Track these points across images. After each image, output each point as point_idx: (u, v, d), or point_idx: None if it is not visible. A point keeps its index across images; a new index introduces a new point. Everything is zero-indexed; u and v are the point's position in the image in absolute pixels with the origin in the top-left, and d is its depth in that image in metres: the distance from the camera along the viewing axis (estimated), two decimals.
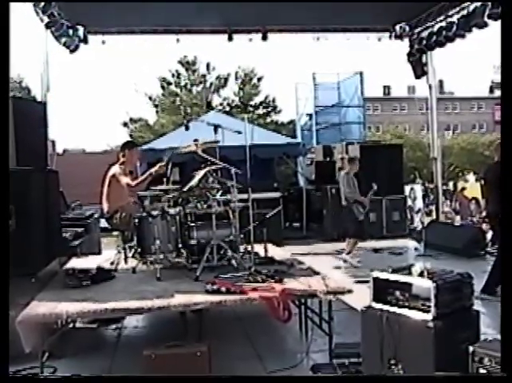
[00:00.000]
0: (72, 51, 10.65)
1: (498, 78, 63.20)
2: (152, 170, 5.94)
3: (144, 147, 14.10)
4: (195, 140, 5.91)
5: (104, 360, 4.85)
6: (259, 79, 32.89)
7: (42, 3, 9.03)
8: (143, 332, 5.86)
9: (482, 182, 7.85)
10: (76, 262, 6.24)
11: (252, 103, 32.34)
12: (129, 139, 29.30)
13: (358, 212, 9.01)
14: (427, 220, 12.93)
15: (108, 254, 6.34)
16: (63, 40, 10.16)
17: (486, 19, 9.00)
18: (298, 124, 20.96)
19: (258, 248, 6.07)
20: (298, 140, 17.76)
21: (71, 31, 10.50)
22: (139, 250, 5.69)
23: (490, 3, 8.85)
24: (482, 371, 3.11)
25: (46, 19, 9.32)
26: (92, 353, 5.09)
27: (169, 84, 32.26)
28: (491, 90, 64.54)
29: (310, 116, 19.76)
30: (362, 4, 10.03)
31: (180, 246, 5.72)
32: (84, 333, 5.63)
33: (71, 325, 5.44)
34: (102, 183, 6.27)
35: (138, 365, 4.12)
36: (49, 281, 5.33)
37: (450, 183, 24.08)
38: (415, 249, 10.86)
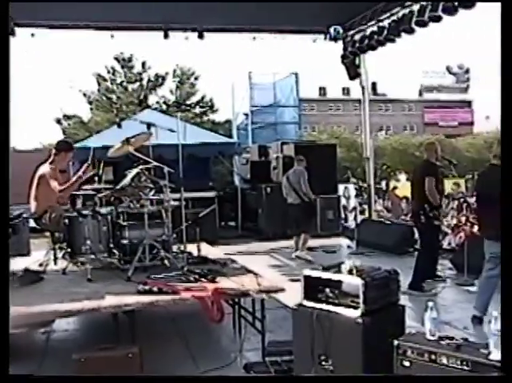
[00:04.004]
0: None
1: (426, 82, 66.33)
2: (80, 173, 5.81)
3: (77, 145, 13.72)
4: (127, 139, 5.80)
5: (31, 365, 4.68)
6: (196, 78, 32.77)
7: None
8: (74, 335, 5.71)
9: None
10: None
11: (189, 102, 32.07)
12: (63, 136, 28.51)
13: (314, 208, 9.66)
14: (360, 218, 13.25)
15: (38, 256, 6.13)
16: None
17: (413, 25, 9.33)
18: (234, 124, 21.00)
19: (192, 248, 6.04)
20: (234, 140, 17.78)
21: None
22: (69, 250, 5.55)
23: (416, 10, 9.16)
24: (405, 363, 3.23)
25: None
26: (19, 358, 4.89)
27: (104, 80, 31.55)
28: (420, 93, 67.50)
29: (247, 115, 19.84)
30: (297, 5, 10.14)
31: (112, 246, 5.64)
32: (12, 338, 5.40)
33: None
34: (30, 182, 6.06)
35: (67, 370, 4.02)
36: None
37: (383, 183, 24.73)
38: (348, 247, 11.13)
